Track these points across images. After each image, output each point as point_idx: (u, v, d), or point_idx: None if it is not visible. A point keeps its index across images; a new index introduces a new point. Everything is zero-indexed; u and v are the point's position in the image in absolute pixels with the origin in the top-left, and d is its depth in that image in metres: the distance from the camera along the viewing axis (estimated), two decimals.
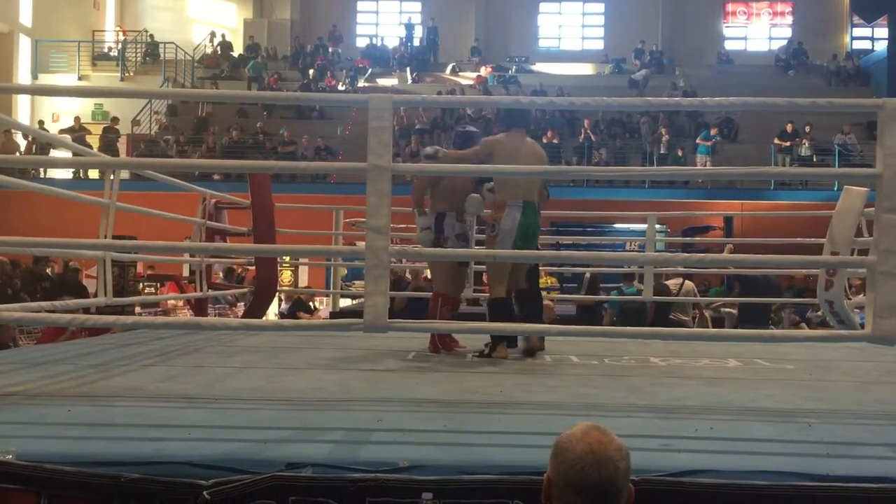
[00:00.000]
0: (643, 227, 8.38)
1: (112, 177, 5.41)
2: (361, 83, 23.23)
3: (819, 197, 15.52)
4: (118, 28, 25.78)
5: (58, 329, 6.15)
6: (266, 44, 25.26)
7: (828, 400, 3.64)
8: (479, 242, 8.17)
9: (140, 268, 10.57)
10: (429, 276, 7.47)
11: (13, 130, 17.94)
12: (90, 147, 14.04)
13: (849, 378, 4.49)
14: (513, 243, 4.90)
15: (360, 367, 4.52)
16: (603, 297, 8.93)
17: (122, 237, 5.88)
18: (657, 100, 4.28)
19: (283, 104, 20.98)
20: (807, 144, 18.59)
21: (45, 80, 21.92)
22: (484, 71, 24.18)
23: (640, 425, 2.91)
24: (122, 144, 19.46)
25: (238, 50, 25.16)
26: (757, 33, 26.60)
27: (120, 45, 24.41)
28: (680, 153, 18.30)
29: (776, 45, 25.96)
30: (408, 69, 24.32)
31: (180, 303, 11.04)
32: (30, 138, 18.22)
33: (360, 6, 27.10)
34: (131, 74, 23.62)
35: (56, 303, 4.41)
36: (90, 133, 19.48)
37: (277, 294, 9.72)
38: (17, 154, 17.59)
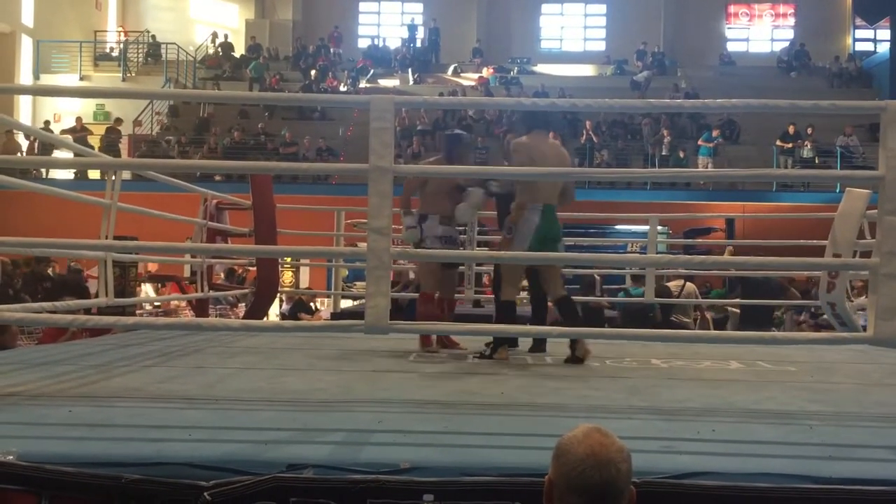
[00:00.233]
0: (645, 228, 8.37)
1: (113, 177, 5.41)
2: (363, 84, 23.25)
3: (821, 199, 15.52)
4: (120, 28, 25.80)
5: (59, 329, 6.15)
6: (268, 44, 25.27)
7: (830, 402, 3.63)
8: (482, 244, 8.21)
9: (141, 268, 10.57)
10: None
11: (15, 131, 17.96)
12: (91, 147, 14.05)
13: (851, 380, 4.48)
14: (528, 247, 4.74)
15: (361, 368, 4.52)
16: (608, 298, 8.92)
17: (123, 238, 5.87)
18: (659, 101, 4.28)
19: (284, 105, 20.99)
20: (809, 146, 18.58)
21: (47, 80, 21.94)
22: (486, 72, 24.18)
23: (642, 427, 2.91)
24: (123, 145, 19.48)
25: (240, 50, 25.18)
26: (759, 35, 26.59)
27: (122, 46, 24.42)
28: (682, 155, 18.30)
29: (778, 46, 25.95)
30: (409, 70, 24.33)
31: (182, 303, 11.04)
32: (31, 139, 18.24)
33: (361, 7, 27.12)
34: (133, 75, 23.64)
35: (57, 303, 4.40)
36: (91, 133, 19.50)
37: (278, 295, 9.72)
38: (19, 154, 17.61)
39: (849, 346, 5.41)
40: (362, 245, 4.34)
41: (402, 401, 3.46)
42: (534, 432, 2.75)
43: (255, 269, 8.23)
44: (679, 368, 4.70)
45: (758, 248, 8.68)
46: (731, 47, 26.17)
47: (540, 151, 4.84)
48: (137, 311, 8.73)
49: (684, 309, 8.90)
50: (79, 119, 20.37)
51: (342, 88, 22.70)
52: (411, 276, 9.50)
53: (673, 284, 8.98)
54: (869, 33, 25.90)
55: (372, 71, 24.22)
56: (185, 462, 2.32)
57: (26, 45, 22.55)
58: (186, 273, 11.54)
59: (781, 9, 26.50)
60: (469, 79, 23.97)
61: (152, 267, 11.70)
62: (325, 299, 13.17)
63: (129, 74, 23.55)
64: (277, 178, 13.52)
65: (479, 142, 18.89)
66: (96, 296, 5.55)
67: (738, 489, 2.25)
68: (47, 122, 20.50)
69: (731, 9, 26.56)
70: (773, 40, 26.45)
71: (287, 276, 14.55)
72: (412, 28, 25.89)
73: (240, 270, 12.04)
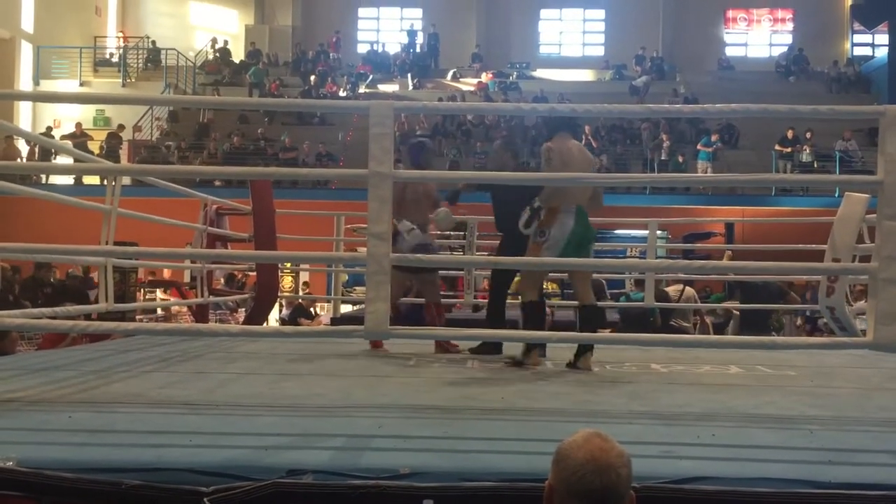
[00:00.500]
0: (644, 233, 8.38)
1: (113, 183, 5.42)
2: (362, 89, 23.27)
3: (820, 203, 15.52)
4: (120, 34, 25.83)
5: (59, 335, 6.15)
6: (267, 50, 25.30)
7: (830, 407, 3.63)
8: (482, 249, 8.21)
9: (142, 273, 10.57)
10: None
11: (15, 137, 17.96)
12: (92, 153, 14.05)
13: (851, 385, 4.48)
14: (562, 251, 4.66)
15: (361, 373, 4.52)
16: (610, 303, 8.90)
17: (123, 243, 5.87)
18: (658, 106, 4.26)
19: (284, 110, 21.00)
20: (808, 151, 18.60)
21: (47, 86, 21.97)
22: (485, 77, 24.21)
23: (642, 432, 2.91)
24: (123, 150, 19.49)
25: (239, 56, 25.21)
26: (757, 40, 26.62)
27: (121, 52, 24.45)
28: (681, 159, 18.32)
29: (777, 51, 25.99)
30: (409, 75, 24.36)
31: (182, 308, 11.04)
32: (31, 144, 18.25)
33: (361, 12, 27.14)
34: (133, 80, 23.66)
35: (57, 309, 4.40)
36: (92, 139, 19.51)
37: (278, 300, 9.72)
38: (20, 160, 17.60)
39: (848, 350, 5.41)
40: (362, 250, 4.33)
41: (402, 406, 3.47)
42: (534, 437, 2.76)
43: (254, 274, 8.23)
44: (679, 373, 4.70)
45: (757, 252, 8.68)
46: (730, 52, 26.20)
47: (570, 154, 4.83)
48: (147, 318, 8.74)
49: (684, 313, 8.90)
50: (79, 125, 20.38)
51: (342, 94, 22.73)
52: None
53: (672, 289, 8.97)
54: (867, 38, 25.94)
55: (371, 76, 24.25)
56: (185, 468, 2.32)
57: (26, 51, 22.58)
58: (187, 278, 11.54)
59: (780, 14, 26.53)
60: (468, 84, 24.00)
61: (161, 272, 11.69)
62: (325, 304, 13.17)
63: (128, 80, 23.58)
64: (277, 184, 13.47)
65: (478, 146, 18.95)
66: (97, 301, 5.56)
67: (739, 494, 2.25)
68: (49, 129, 20.51)
69: (730, 14, 26.59)
70: (771, 45, 26.48)
71: (287, 282, 14.55)
72: (411, 33, 25.92)
73: (240, 276, 12.03)
